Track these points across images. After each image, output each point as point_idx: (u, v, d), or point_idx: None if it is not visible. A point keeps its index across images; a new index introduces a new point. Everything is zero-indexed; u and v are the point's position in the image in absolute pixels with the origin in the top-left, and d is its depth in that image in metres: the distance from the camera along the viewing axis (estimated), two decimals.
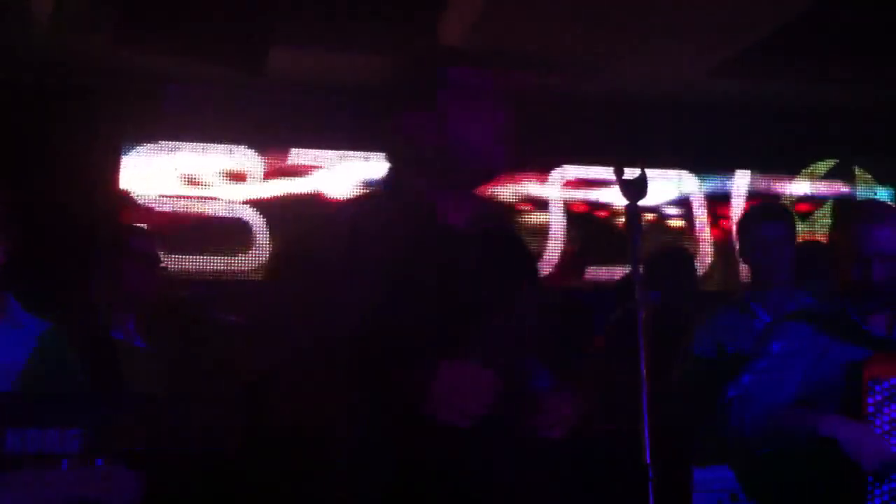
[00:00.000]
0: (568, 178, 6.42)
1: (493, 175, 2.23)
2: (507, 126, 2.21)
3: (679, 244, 6.11)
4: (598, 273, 6.37)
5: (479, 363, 1.95)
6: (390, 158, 2.27)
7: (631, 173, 2.16)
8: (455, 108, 2.17)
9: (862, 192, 6.81)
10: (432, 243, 2.14)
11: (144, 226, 4.43)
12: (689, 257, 5.07)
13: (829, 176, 6.81)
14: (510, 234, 2.46)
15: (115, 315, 3.47)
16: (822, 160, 6.77)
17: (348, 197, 2.42)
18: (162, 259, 3.72)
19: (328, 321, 1.97)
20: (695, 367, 3.60)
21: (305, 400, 1.96)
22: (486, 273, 2.17)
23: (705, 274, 6.39)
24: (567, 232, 6.38)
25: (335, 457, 1.94)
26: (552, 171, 6.41)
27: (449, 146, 2.15)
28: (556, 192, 6.40)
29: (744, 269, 6.38)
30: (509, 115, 2.22)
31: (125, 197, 5.82)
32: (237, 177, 6.02)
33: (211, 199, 5.97)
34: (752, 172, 6.70)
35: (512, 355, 2.12)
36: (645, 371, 2.04)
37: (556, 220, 6.40)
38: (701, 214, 6.62)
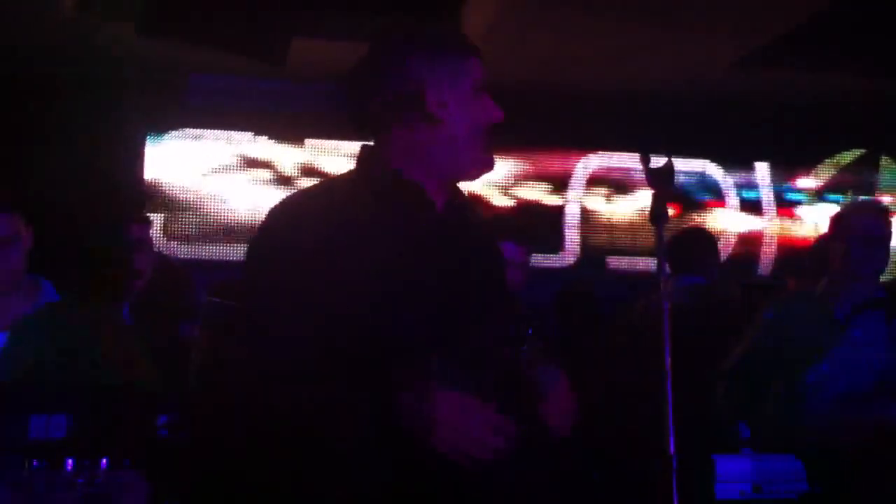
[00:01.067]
0: (592, 168, 6.41)
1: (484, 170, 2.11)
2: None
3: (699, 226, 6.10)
4: (620, 264, 6.37)
5: (477, 392, 1.86)
6: (384, 142, 2.09)
7: (657, 162, 2.15)
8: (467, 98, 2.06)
9: (887, 181, 6.77)
10: (430, 231, 2.06)
11: (143, 213, 4.42)
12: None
13: (855, 166, 6.77)
14: (479, 219, 2.34)
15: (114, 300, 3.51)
16: (847, 150, 6.73)
17: (301, 189, 2.19)
18: (155, 245, 3.72)
19: (327, 321, 1.88)
20: (758, 355, 3.56)
21: (305, 400, 1.86)
22: (474, 260, 2.12)
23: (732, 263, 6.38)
24: (586, 223, 6.38)
25: (335, 458, 1.89)
26: (577, 163, 6.40)
27: (459, 136, 2.04)
28: (580, 183, 6.39)
29: (763, 259, 6.51)
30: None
31: (148, 185, 5.85)
32: (257, 166, 6.04)
33: (232, 187, 5.99)
34: (774, 163, 6.67)
35: (511, 343, 2.05)
36: (669, 360, 2.03)
37: (576, 212, 6.40)
38: (727, 205, 6.60)
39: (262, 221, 2.04)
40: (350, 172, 2.13)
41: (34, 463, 2.07)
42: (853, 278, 3.56)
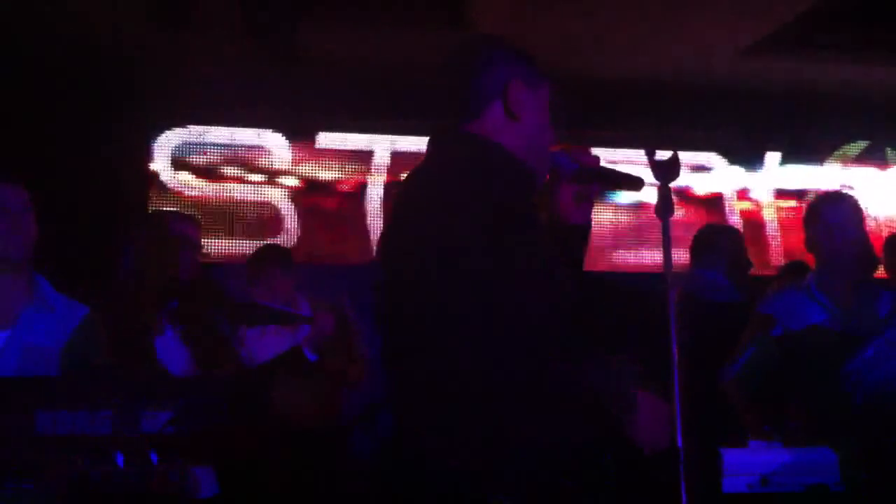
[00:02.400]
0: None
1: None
2: None
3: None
4: (626, 258, 6.36)
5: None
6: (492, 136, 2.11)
7: (662, 155, 2.14)
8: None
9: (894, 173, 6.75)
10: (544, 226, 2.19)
11: (185, 213, 4.44)
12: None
13: (862, 158, 6.74)
14: None
15: (159, 301, 3.46)
16: (854, 142, 6.70)
17: (457, 172, 2.05)
18: (202, 245, 3.72)
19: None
20: (761, 350, 3.56)
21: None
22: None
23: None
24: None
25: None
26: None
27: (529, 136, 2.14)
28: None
29: (773, 253, 6.49)
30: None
31: (155, 180, 5.86)
32: (266, 160, 6.04)
33: (240, 182, 5.99)
34: (782, 155, 6.64)
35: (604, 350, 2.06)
36: (676, 354, 2.03)
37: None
38: (731, 197, 6.58)
39: (406, 217, 2.01)
40: (434, 160, 2.13)
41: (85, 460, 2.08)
42: (835, 275, 3.55)
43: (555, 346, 1.93)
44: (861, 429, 2.88)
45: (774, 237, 6.59)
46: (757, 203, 6.60)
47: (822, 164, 6.70)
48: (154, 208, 5.77)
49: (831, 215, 3.53)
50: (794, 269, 5.21)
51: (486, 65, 2.15)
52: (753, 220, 6.58)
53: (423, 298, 1.88)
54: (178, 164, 5.93)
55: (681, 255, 4.63)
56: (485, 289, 1.86)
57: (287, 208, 6.03)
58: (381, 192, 6.11)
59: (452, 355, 1.85)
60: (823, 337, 3.33)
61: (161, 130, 5.92)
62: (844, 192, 3.70)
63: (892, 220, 6.56)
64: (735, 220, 6.51)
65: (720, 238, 4.41)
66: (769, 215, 6.62)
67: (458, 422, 1.88)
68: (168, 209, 5.23)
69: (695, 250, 4.29)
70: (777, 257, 6.52)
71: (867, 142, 6.71)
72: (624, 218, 6.38)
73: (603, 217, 6.33)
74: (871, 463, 2.86)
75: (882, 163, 6.76)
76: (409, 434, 1.96)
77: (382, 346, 2.02)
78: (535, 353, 1.88)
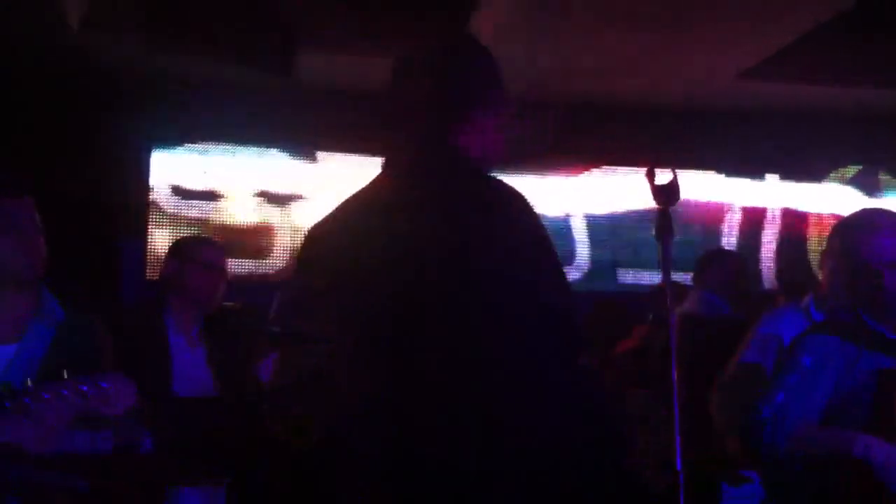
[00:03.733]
0: (598, 181, 6.40)
1: None
2: None
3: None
4: (626, 277, 6.35)
5: None
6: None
7: (663, 177, 2.15)
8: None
9: (888, 197, 6.74)
10: None
11: (214, 239, 4.55)
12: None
13: (855, 181, 6.74)
14: None
15: (181, 320, 3.60)
16: (848, 165, 6.71)
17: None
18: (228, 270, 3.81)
19: None
20: (744, 373, 3.53)
21: None
22: None
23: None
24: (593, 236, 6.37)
25: None
26: (581, 175, 6.40)
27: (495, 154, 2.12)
28: (586, 195, 6.39)
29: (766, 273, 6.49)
30: None
31: (152, 199, 5.86)
32: (265, 179, 6.04)
33: (237, 201, 5.99)
34: (780, 175, 6.65)
35: None
36: (676, 377, 2.03)
37: (583, 225, 6.39)
38: (731, 218, 6.59)
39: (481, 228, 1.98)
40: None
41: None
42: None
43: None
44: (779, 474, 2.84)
45: (770, 257, 6.59)
46: (757, 220, 6.60)
47: (820, 185, 6.70)
48: (153, 227, 5.79)
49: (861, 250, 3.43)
50: (791, 287, 5.22)
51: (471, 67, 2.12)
52: (754, 236, 6.58)
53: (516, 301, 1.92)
54: (177, 183, 5.93)
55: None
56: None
57: (286, 228, 6.03)
58: None
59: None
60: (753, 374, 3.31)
61: (160, 149, 5.91)
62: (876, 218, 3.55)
63: None
64: (734, 239, 6.52)
65: (721, 261, 4.42)
66: (769, 232, 6.62)
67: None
68: (198, 235, 5.31)
69: (696, 272, 4.31)
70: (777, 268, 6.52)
71: (861, 165, 6.71)
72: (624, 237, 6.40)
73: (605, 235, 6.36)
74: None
75: (875, 186, 6.76)
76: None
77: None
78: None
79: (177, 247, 3.82)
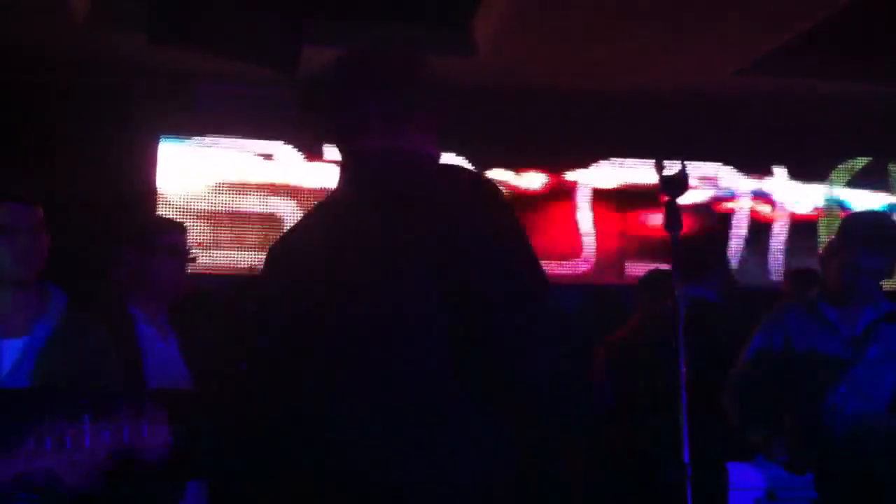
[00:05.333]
0: (604, 175, 6.40)
1: None
2: None
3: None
4: (635, 269, 6.35)
5: None
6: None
7: (671, 169, 2.16)
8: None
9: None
10: None
11: (175, 220, 4.43)
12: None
13: (863, 174, 6.73)
14: None
15: (147, 309, 3.48)
16: (855, 158, 6.70)
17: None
18: (193, 254, 3.70)
19: None
20: (758, 364, 3.53)
21: None
22: None
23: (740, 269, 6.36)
24: (600, 230, 6.37)
25: None
26: (588, 168, 6.39)
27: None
28: (590, 189, 6.38)
29: (774, 267, 6.48)
30: None
31: (160, 193, 5.87)
32: (272, 172, 6.05)
33: (245, 194, 6.00)
34: (787, 169, 6.64)
35: None
36: (683, 368, 2.03)
37: (590, 218, 6.39)
38: (739, 210, 6.58)
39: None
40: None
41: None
42: (842, 302, 3.51)
43: None
44: (839, 461, 2.87)
45: (780, 248, 6.58)
46: (765, 212, 6.59)
47: (825, 180, 6.69)
48: (153, 218, 5.79)
49: (860, 258, 3.47)
50: (801, 277, 5.21)
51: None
52: (762, 228, 6.56)
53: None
54: (185, 176, 5.94)
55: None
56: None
57: (293, 219, 6.03)
58: None
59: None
60: (825, 361, 3.32)
61: (168, 142, 5.92)
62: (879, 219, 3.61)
63: None
64: (743, 230, 6.51)
65: (704, 252, 4.43)
66: (778, 225, 6.60)
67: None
68: (162, 218, 5.18)
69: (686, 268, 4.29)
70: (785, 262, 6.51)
71: (868, 158, 6.69)
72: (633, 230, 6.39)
73: (612, 229, 6.35)
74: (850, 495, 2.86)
75: (883, 180, 6.74)
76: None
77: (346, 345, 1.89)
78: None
79: (135, 234, 3.62)
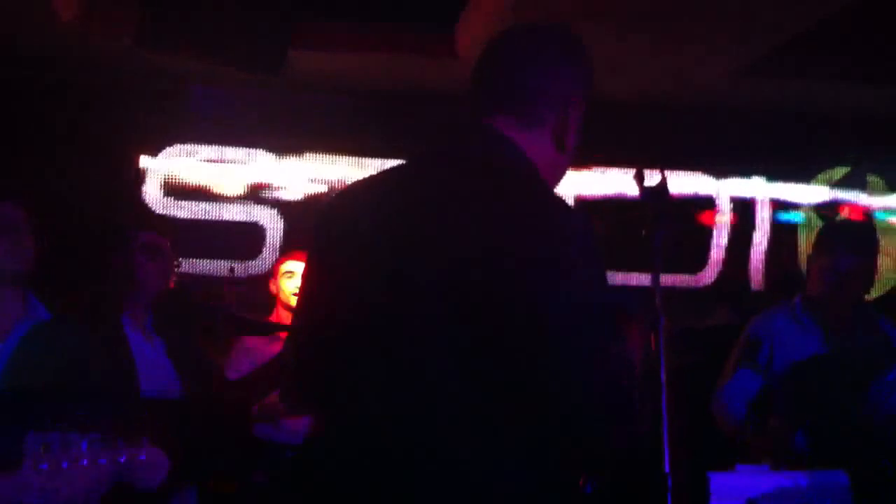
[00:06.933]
0: (586, 181, 6.39)
1: None
2: None
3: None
4: (614, 278, 6.35)
5: None
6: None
7: (651, 179, 2.15)
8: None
9: (875, 199, 6.75)
10: None
11: (154, 220, 4.42)
12: None
13: (843, 183, 6.75)
14: None
15: (134, 315, 3.46)
16: (836, 166, 6.72)
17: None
18: (176, 257, 3.69)
19: None
20: (739, 374, 3.56)
21: None
22: None
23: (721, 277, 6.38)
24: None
25: None
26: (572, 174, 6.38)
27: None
28: (572, 195, 6.38)
29: (756, 275, 6.49)
30: None
31: (142, 198, 5.84)
32: (254, 179, 6.03)
33: (227, 201, 5.98)
34: (770, 177, 6.65)
35: None
36: (665, 378, 2.03)
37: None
38: (721, 218, 6.57)
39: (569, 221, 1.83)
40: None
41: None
42: (825, 307, 3.55)
43: None
44: (877, 451, 2.94)
45: (760, 258, 6.58)
46: (747, 222, 6.59)
47: (809, 187, 6.70)
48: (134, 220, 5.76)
49: (839, 261, 3.53)
50: (784, 283, 5.23)
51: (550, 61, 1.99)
52: (743, 234, 6.57)
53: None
54: (167, 183, 5.91)
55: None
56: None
57: (275, 228, 6.01)
58: None
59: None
60: (828, 364, 3.36)
61: (150, 150, 5.89)
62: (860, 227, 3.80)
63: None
64: (724, 240, 6.51)
65: None
66: (759, 234, 6.61)
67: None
68: (143, 220, 5.17)
69: None
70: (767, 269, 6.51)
71: (848, 167, 6.72)
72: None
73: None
74: (883, 486, 2.89)
75: (862, 188, 6.76)
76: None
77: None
78: None
79: (112, 235, 3.64)
